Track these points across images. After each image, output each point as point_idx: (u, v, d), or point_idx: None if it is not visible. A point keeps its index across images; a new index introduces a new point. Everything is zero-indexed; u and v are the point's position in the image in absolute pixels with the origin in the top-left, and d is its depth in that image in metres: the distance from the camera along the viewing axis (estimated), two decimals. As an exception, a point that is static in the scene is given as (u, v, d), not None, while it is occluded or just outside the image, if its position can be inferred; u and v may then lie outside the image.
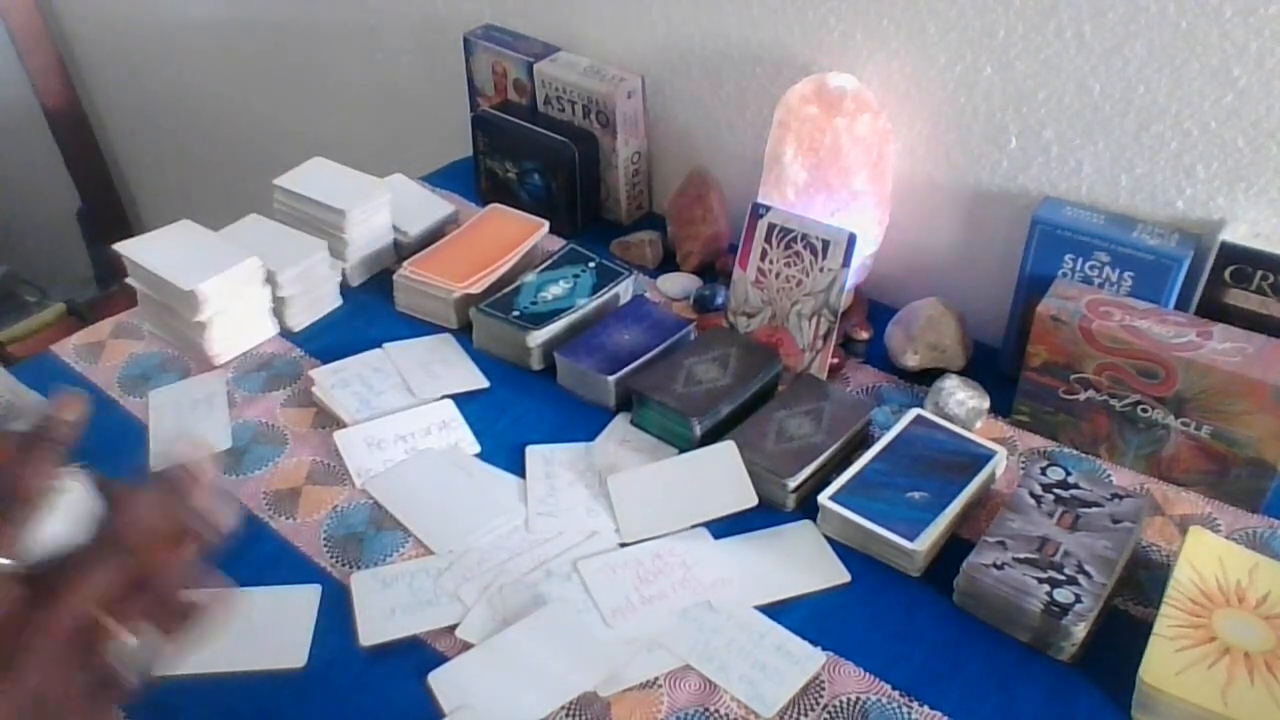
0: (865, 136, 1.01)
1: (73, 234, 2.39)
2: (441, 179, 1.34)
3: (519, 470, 0.92)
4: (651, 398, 0.94)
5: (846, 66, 1.06)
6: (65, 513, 0.42)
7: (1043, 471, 0.87)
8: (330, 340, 1.07)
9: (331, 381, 0.99)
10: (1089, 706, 0.73)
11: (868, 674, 0.75)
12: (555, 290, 1.07)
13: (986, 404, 0.96)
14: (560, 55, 1.25)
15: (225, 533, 0.47)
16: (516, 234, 1.15)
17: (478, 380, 1.02)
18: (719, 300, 1.10)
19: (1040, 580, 0.77)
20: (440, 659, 0.76)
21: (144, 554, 0.43)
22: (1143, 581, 0.82)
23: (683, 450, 0.93)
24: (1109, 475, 0.92)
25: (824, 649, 0.77)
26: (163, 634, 0.43)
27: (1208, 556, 0.79)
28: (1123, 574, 0.80)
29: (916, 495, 0.85)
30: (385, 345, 1.05)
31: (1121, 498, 0.84)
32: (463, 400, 0.99)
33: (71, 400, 0.44)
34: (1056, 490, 0.85)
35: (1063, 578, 0.77)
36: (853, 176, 1.02)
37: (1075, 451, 0.95)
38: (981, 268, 1.07)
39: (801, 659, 0.76)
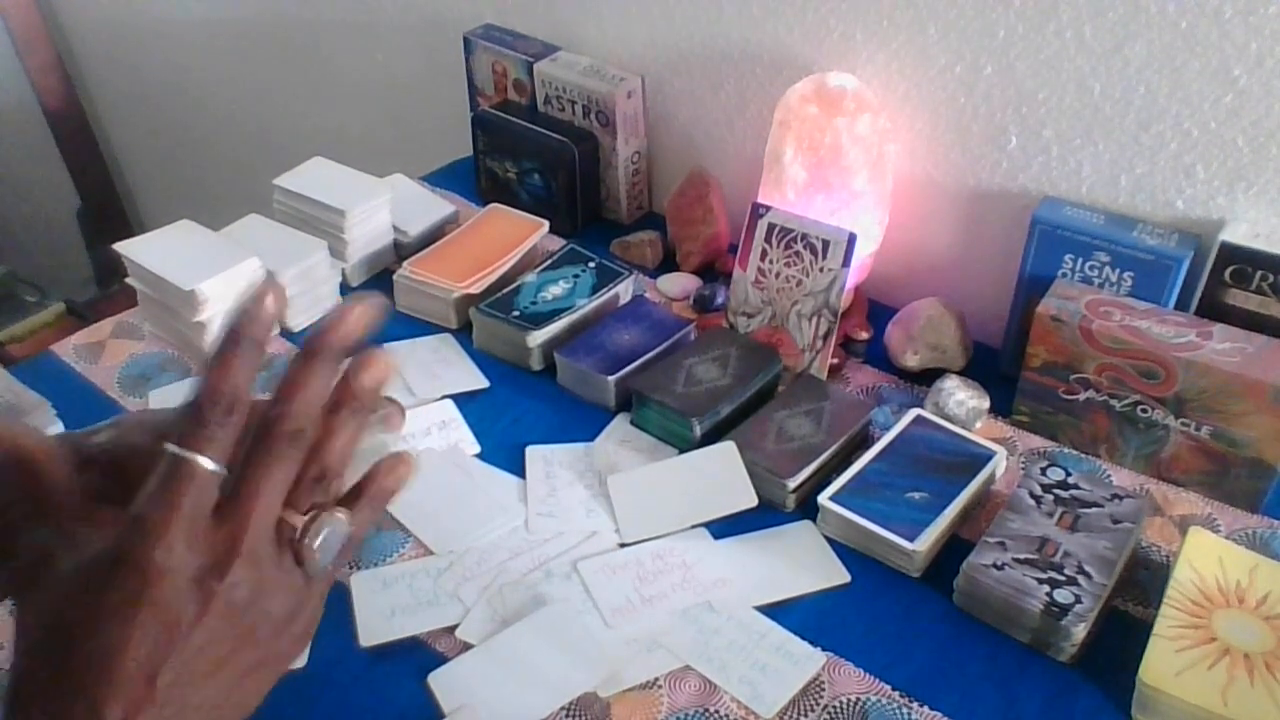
0: (865, 136, 1.01)
1: (73, 234, 2.39)
2: (441, 179, 1.34)
3: (519, 470, 0.92)
4: (651, 398, 0.94)
5: (846, 66, 1.06)
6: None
7: (1043, 472, 0.87)
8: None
9: (331, 381, 0.99)
10: (1089, 707, 0.73)
11: (868, 674, 0.75)
12: (555, 290, 1.07)
13: (986, 404, 0.96)
14: (560, 55, 1.25)
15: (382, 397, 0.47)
16: (516, 234, 1.15)
17: (478, 380, 1.02)
18: (719, 300, 1.10)
19: (1040, 580, 0.77)
20: (440, 659, 0.76)
21: (318, 441, 0.43)
22: (1143, 582, 0.82)
23: (683, 450, 0.93)
24: (1109, 475, 0.92)
25: (824, 649, 0.77)
26: (349, 513, 0.45)
27: (1208, 557, 0.79)
28: (1123, 574, 0.80)
29: (916, 495, 0.85)
30: (385, 345, 1.05)
31: (1121, 498, 0.84)
32: (463, 400, 0.99)
33: (270, 287, 0.44)
34: (1056, 490, 0.85)
35: (1063, 578, 0.77)
36: (853, 176, 1.02)
37: (1075, 452, 0.95)
38: (981, 268, 1.07)
39: (801, 659, 0.76)
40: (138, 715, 0.38)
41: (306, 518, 0.43)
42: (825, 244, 0.97)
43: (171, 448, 0.40)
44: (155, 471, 0.40)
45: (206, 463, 0.40)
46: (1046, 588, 0.76)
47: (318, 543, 0.43)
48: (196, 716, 0.40)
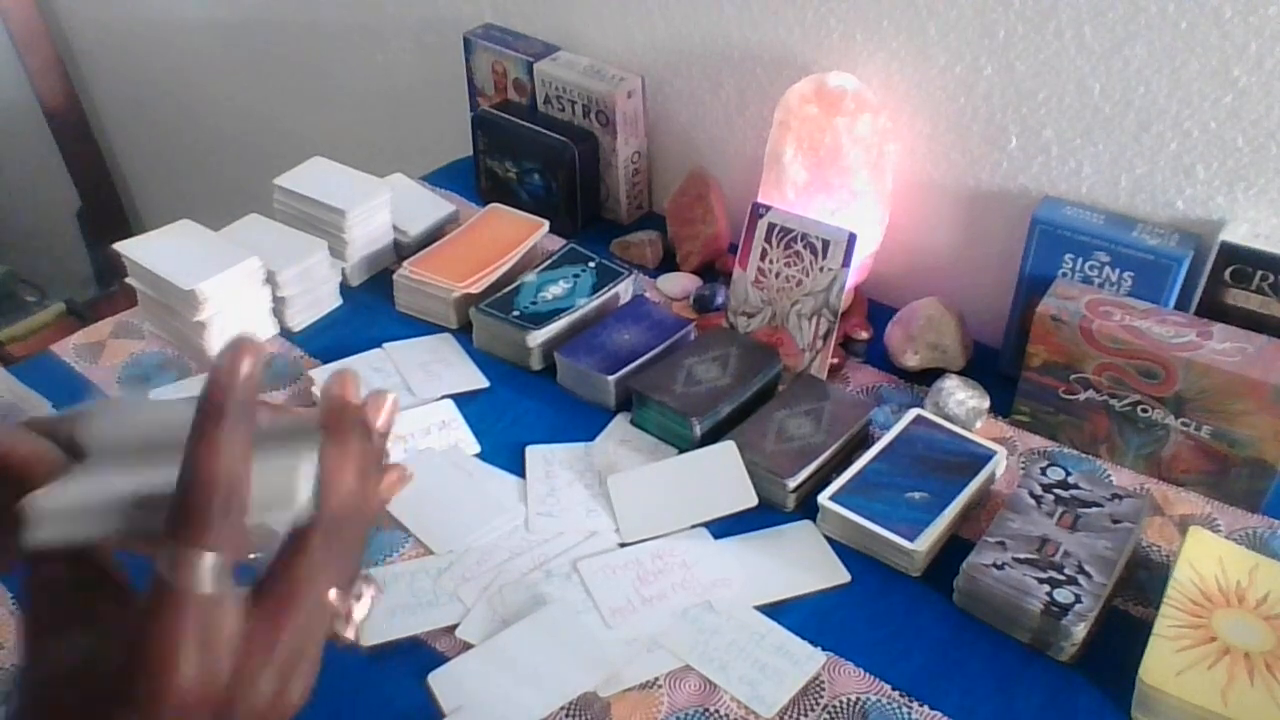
0: (865, 136, 1.01)
1: (73, 234, 2.39)
2: (441, 179, 1.34)
3: (519, 470, 0.92)
4: (651, 398, 0.94)
5: (846, 66, 1.06)
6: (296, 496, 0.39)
7: (1043, 471, 0.87)
8: (330, 340, 1.07)
9: (331, 381, 0.99)
10: (1089, 706, 0.73)
11: (868, 674, 0.75)
12: (555, 290, 1.07)
13: (986, 404, 0.96)
14: (560, 55, 1.25)
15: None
16: (516, 234, 1.15)
17: (478, 380, 1.02)
18: (719, 300, 1.10)
19: (1040, 580, 0.77)
20: (440, 659, 0.76)
21: (359, 532, 0.41)
22: (1143, 581, 0.82)
23: (683, 450, 0.93)
24: (1109, 475, 0.92)
25: (824, 649, 0.77)
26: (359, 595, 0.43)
27: (1208, 556, 0.79)
28: (1123, 574, 0.80)
29: (916, 495, 0.85)
30: (385, 345, 1.05)
31: (1121, 498, 0.84)
32: (463, 400, 0.99)
33: (243, 349, 0.36)
34: (1056, 490, 0.85)
35: (1063, 578, 0.77)
36: (853, 176, 1.02)
37: (1075, 451, 0.95)
38: (981, 268, 1.07)
39: (801, 659, 0.76)
40: None
41: (347, 598, 0.41)
42: (825, 244, 0.97)
43: (166, 554, 0.34)
44: (151, 582, 0.34)
45: (207, 567, 0.34)
46: (1046, 587, 0.76)
47: (359, 623, 0.41)
48: None
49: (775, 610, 0.80)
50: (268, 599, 0.37)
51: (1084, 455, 0.94)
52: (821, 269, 0.97)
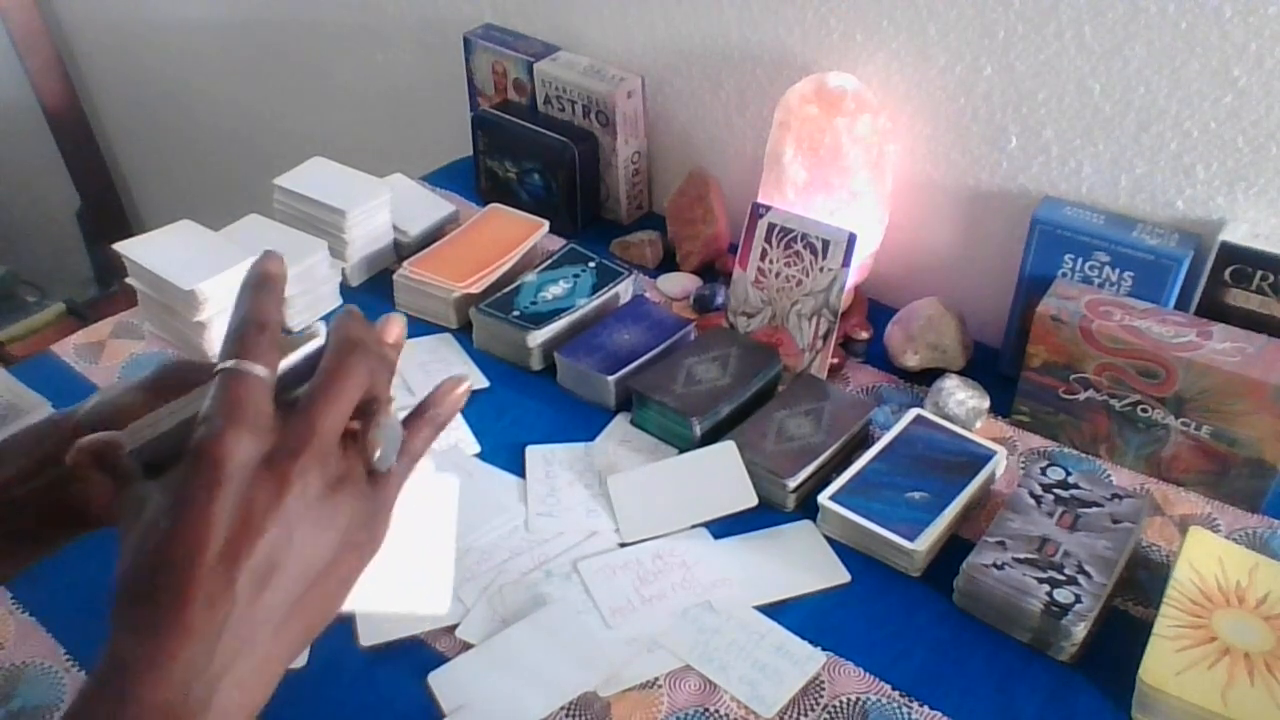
0: (865, 136, 1.01)
1: (73, 234, 2.39)
2: (441, 179, 1.34)
3: (519, 470, 0.92)
4: (651, 398, 0.94)
5: (846, 66, 1.06)
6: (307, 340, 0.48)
7: (1043, 471, 0.87)
8: (330, 340, 1.07)
9: (331, 381, 0.99)
10: (1089, 706, 0.73)
11: (868, 674, 0.75)
12: (555, 290, 1.07)
13: (986, 404, 0.96)
14: (560, 55, 1.25)
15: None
16: (516, 234, 1.15)
17: (478, 380, 1.02)
18: (719, 300, 1.10)
19: (1040, 580, 0.77)
20: (440, 659, 0.76)
21: (375, 364, 0.47)
22: (1143, 581, 0.82)
23: (683, 450, 0.93)
24: (1109, 475, 0.92)
25: (824, 649, 0.77)
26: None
27: (1208, 556, 0.79)
28: (1123, 574, 0.80)
29: (916, 495, 0.85)
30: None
31: (1121, 498, 0.84)
32: (463, 400, 0.99)
33: (272, 255, 0.49)
34: (1056, 490, 0.85)
35: (1063, 578, 0.77)
36: (853, 176, 1.02)
37: (1075, 451, 0.95)
38: (981, 268, 1.07)
39: (801, 659, 0.76)
40: (218, 613, 0.39)
41: (370, 426, 0.46)
42: (825, 244, 0.97)
43: (221, 364, 0.44)
44: (213, 385, 0.43)
45: (254, 368, 0.43)
46: (1046, 587, 0.76)
47: (378, 432, 0.46)
48: (278, 617, 0.42)
49: (775, 610, 0.80)
50: (298, 402, 0.44)
51: (1084, 455, 0.94)
52: (821, 269, 0.98)
